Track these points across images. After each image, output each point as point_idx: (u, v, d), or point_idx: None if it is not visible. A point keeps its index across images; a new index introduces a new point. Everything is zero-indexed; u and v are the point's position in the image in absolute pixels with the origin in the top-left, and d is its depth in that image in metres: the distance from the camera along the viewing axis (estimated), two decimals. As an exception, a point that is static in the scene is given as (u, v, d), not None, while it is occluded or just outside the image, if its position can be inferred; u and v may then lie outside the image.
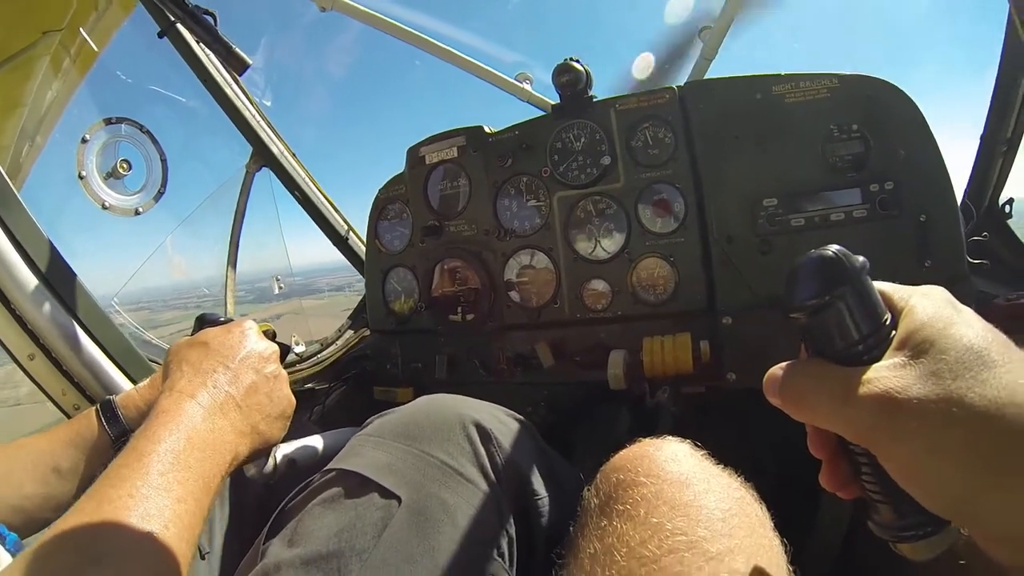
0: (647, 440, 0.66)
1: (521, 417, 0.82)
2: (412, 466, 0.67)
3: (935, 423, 0.33)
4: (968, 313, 0.38)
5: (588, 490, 0.64)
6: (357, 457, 0.69)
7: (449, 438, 0.71)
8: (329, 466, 0.69)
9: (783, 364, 0.42)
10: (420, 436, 0.71)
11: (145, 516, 0.49)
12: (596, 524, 0.58)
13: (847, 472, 0.42)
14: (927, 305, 0.38)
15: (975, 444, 0.32)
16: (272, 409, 0.73)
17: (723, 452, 0.65)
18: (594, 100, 1.35)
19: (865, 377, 0.36)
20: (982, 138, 1.47)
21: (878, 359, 0.37)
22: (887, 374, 0.35)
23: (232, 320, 0.88)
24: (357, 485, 0.64)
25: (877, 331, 0.38)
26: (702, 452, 0.64)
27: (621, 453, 0.65)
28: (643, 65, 1.64)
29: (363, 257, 1.74)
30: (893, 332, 0.38)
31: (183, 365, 0.68)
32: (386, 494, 0.63)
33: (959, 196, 1.18)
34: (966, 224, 1.21)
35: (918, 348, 0.36)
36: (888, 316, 0.39)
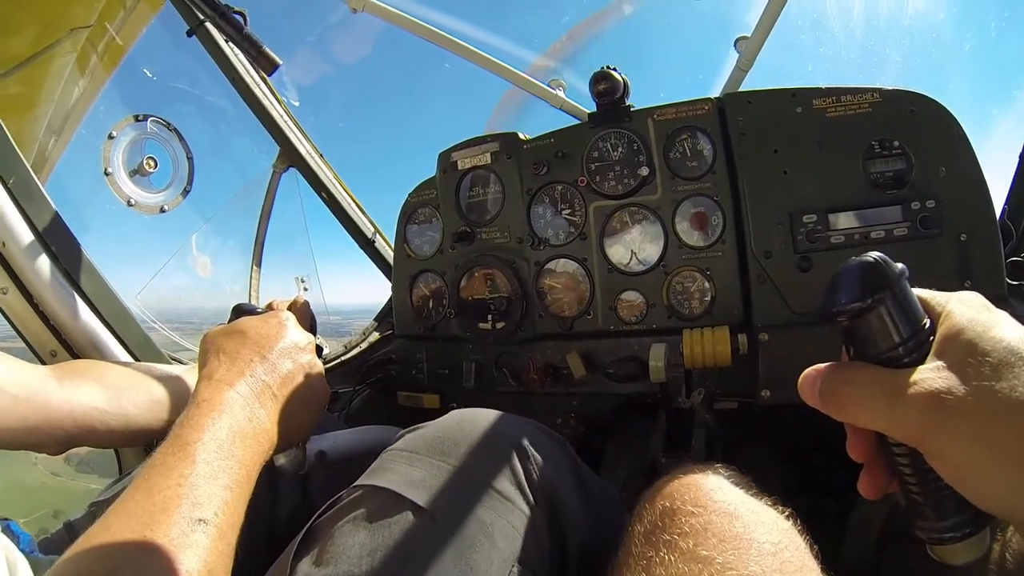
0: (692, 467, 0.64)
1: (556, 433, 0.81)
2: (446, 483, 0.65)
3: (983, 421, 0.35)
4: (1005, 316, 0.39)
5: (631, 516, 0.63)
6: (389, 473, 0.67)
7: (484, 455, 0.69)
8: (359, 482, 0.68)
9: (819, 366, 0.43)
10: (454, 452, 0.69)
11: (196, 504, 0.50)
12: (641, 554, 0.56)
13: (886, 474, 0.43)
14: (965, 310, 0.39)
15: (1023, 440, 0.34)
16: (307, 399, 0.73)
17: (753, 471, 0.64)
18: (632, 109, 1.33)
19: (912, 379, 0.37)
20: (1021, 156, 1.45)
21: (918, 362, 0.39)
22: (933, 375, 0.37)
23: (269, 310, 0.89)
24: (389, 502, 0.62)
25: (916, 335, 0.39)
26: (747, 480, 0.63)
27: (665, 479, 0.63)
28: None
29: (390, 261, 1.73)
30: (931, 336, 0.40)
31: (220, 354, 0.69)
32: (419, 512, 0.61)
33: (998, 215, 1.16)
34: (1005, 244, 1.19)
35: (961, 351, 0.37)
36: (927, 321, 0.40)
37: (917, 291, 0.42)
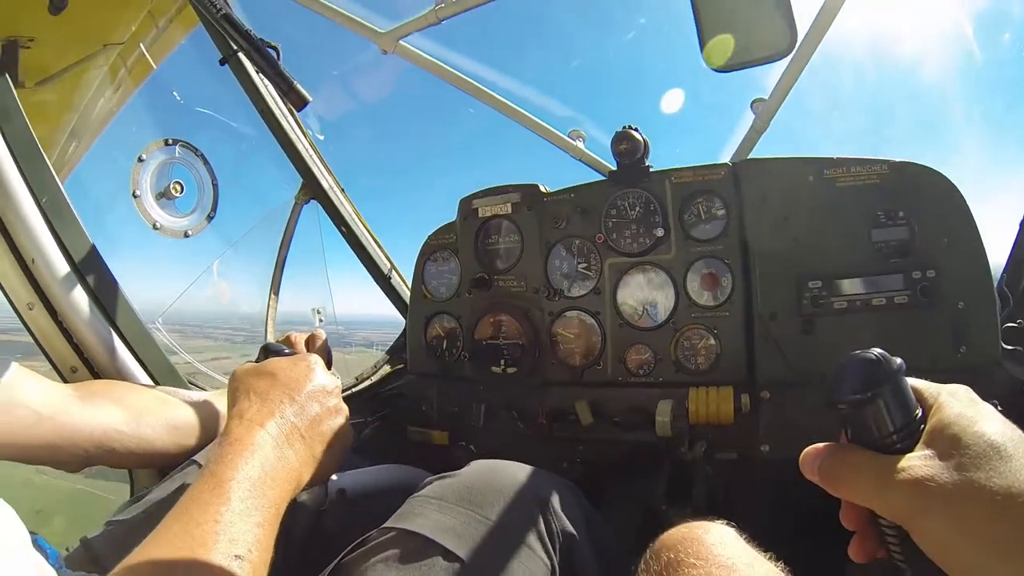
0: (695, 522, 0.70)
1: (573, 486, 0.86)
2: (475, 531, 0.70)
3: (960, 507, 0.39)
4: (988, 410, 0.44)
5: (638, 566, 0.68)
6: (420, 518, 0.72)
7: (510, 506, 0.75)
8: (389, 524, 0.73)
9: (820, 445, 0.48)
10: (482, 502, 0.74)
11: (232, 540, 0.53)
12: None
13: (875, 542, 0.48)
14: (954, 404, 0.44)
15: (994, 526, 0.38)
16: (332, 441, 0.75)
17: (753, 521, 0.69)
18: (651, 170, 1.38)
19: (900, 465, 0.42)
20: (1022, 224, 1.49)
21: (909, 449, 0.43)
22: (919, 463, 0.41)
23: (288, 343, 0.93)
24: (421, 546, 0.68)
25: (909, 424, 0.44)
26: (745, 536, 0.68)
27: (670, 532, 0.69)
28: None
29: (405, 298, 1.77)
30: (922, 426, 0.44)
31: (251, 394, 0.72)
32: (450, 557, 0.66)
33: (995, 279, 1.20)
34: (1002, 309, 1.23)
35: (946, 443, 0.42)
36: (919, 411, 0.45)
37: (912, 381, 0.47)
